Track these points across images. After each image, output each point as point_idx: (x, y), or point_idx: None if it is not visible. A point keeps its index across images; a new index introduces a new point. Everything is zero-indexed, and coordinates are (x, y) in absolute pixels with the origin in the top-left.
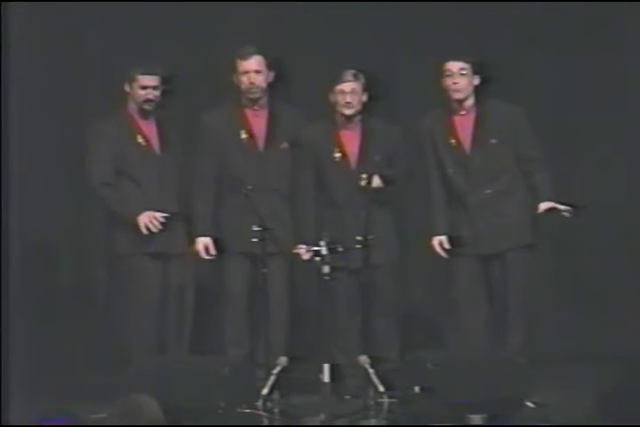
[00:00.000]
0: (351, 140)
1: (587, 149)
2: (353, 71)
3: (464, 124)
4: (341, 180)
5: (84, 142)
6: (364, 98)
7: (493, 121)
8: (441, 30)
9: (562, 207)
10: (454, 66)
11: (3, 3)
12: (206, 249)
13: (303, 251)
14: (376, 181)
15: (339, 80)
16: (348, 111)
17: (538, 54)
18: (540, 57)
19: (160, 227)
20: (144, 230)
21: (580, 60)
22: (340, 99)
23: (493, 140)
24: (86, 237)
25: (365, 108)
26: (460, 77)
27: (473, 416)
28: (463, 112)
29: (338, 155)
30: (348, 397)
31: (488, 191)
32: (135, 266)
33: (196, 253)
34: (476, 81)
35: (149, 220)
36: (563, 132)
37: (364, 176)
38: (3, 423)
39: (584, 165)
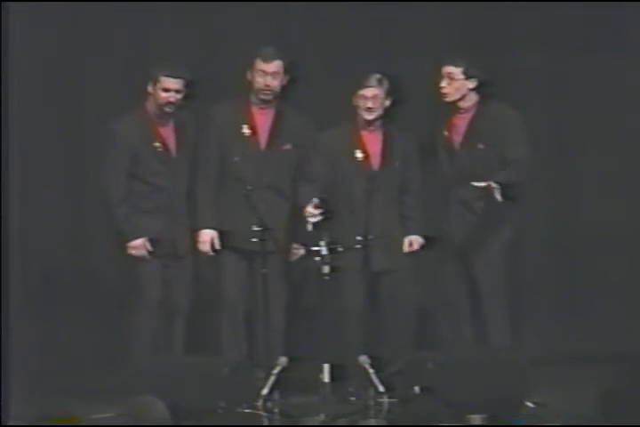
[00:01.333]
0: (373, 143)
1: (586, 149)
2: (378, 76)
3: (460, 124)
4: (360, 180)
5: (85, 142)
6: (387, 103)
7: (486, 124)
8: (445, 31)
9: (493, 185)
10: (444, 70)
11: (3, 3)
12: (212, 242)
13: (297, 249)
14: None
15: (362, 85)
16: (369, 116)
17: (538, 55)
18: (541, 58)
19: (147, 255)
20: (133, 254)
21: (580, 60)
22: (362, 104)
23: (481, 146)
24: (87, 236)
25: (387, 113)
26: (447, 81)
27: (473, 416)
28: (462, 111)
29: (360, 155)
30: (352, 398)
31: (468, 190)
32: (143, 267)
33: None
34: (471, 84)
35: (136, 250)
36: (562, 132)
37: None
38: (3, 423)
39: (583, 164)
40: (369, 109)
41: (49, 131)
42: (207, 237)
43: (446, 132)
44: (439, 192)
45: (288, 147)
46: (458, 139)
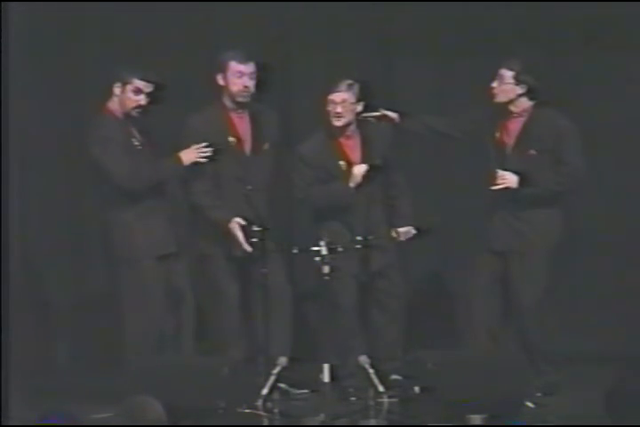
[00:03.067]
0: (353, 149)
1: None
2: (349, 81)
3: (513, 127)
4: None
5: (83, 143)
6: (359, 108)
7: (540, 130)
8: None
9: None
10: (499, 71)
11: (3, 3)
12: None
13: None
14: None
15: (331, 90)
16: (337, 122)
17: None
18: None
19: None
20: (198, 159)
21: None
22: (331, 109)
23: (533, 151)
24: (86, 238)
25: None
26: (498, 82)
27: (473, 416)
28: (515, 115)
29: (342, 163)
30: (352, 398)
31: (513, 194)
32: (146, 269)
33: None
34: (521, 89)
35: (195, 154)
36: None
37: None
38: (3, 423)
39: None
40: (337, 115)
41: (49, 130)
42: (237, 225)
43: (498, 134)
44: (487, 195)
45: (267, 146)
46: (509, 142)
